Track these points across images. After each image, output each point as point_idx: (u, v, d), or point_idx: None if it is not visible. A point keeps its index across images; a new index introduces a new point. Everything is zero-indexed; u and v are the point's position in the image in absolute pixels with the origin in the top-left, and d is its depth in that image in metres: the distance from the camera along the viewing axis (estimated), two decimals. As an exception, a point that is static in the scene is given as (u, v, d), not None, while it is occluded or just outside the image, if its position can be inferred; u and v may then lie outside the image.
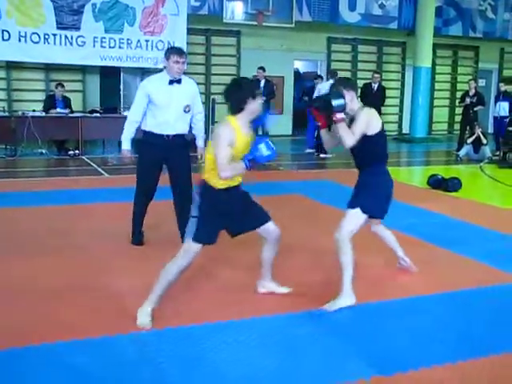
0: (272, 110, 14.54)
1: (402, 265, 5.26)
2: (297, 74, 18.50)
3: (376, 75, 14.63)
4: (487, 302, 4.63)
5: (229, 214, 4.11)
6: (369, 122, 4.43)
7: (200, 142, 5.92)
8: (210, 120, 13.14)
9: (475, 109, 14.10)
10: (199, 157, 5.81)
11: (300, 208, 7.76)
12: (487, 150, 13.12)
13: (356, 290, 4.40)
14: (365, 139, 4.42)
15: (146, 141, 5.64)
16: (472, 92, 14.24)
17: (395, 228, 6.16)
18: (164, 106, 5.51)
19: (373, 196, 4.52)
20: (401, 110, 18.96)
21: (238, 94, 4.00)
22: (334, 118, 4.32)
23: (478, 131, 13.16)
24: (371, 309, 4.38)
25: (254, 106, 4.02)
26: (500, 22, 19.25)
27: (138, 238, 5.89)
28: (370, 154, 4.53)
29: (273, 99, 14.53)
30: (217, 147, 3.89)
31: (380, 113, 15.12)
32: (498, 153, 13.48)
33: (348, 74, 17.89)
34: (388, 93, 15.67)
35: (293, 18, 15.83)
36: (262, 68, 14.01)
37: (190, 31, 15.10)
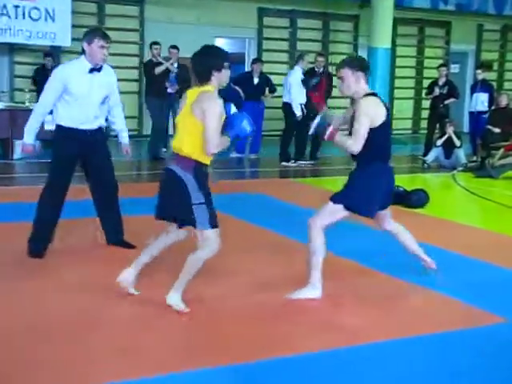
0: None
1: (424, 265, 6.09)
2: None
3: (320, 58, 14.84)
4: (464, 349, 4.71)
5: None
6: (371, 114, 5.32)
7: (125, 139, 6.80)
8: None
9: (446, 102, 14.50)
10: (124, 153, 6.80)
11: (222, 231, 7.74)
12: (461, 155, 13.49)
13: (295, 336, 4.42)
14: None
15: (62, 136, 6.27)
16: (442, 81, 14.64)
17: (342, 254, 6.31)
18: (83, 97, 6.15)
19: (357, 193, 5.46)
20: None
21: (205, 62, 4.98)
22: (325, 138, 5.39)
23: (450, 130, 13.50)
24: (311, 359, 4.40)
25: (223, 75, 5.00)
26: (478, -10, 19.95)
27: (37, 247, 6.26)
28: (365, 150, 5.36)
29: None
30: (210, 121, 4.75)
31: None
32: (474, 158, 13.89)
33: (285, 56, 18.11)
34: (336, 81, 15.92)
35: (213, -17, 15.99)
36: (176, 47, 13.97)
37: (76, -3, 15.00)
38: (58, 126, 6.30)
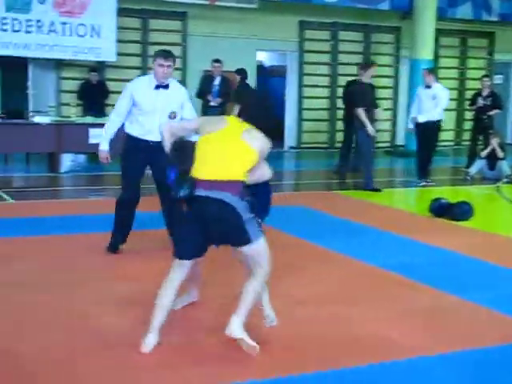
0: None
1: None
2: (261, 68, 18.62)
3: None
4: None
5: None
6: None
7: None
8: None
9: (490, 113, 14.38)
10: None
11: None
12: (505, 167, 13.36)
13: (339, 351, 4.41)
14: None
15: (130, 144, 6.87)
16: (486, 92, 14.51)
17: (385, 267, 6.26)
18: (148, 111, 6.69)
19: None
20: (394, 116, 19.19)
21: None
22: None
23: (494, 142, 13.40)
24: (359, 374, 4.39)
25: None
26: (521, 0, 19.75)
27: (115, 243, 7.01)
28: None
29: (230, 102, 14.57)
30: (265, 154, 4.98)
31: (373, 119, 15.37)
32: (519, 170, 13.76)
33: (326, 69, 18.12)
34: (378, 93, 15.87)
35: (255, -4, 16.05)
36: (219, 61, 14.04)
37: (121, 12, 15.17)
38: (127, 135, 6.86)
